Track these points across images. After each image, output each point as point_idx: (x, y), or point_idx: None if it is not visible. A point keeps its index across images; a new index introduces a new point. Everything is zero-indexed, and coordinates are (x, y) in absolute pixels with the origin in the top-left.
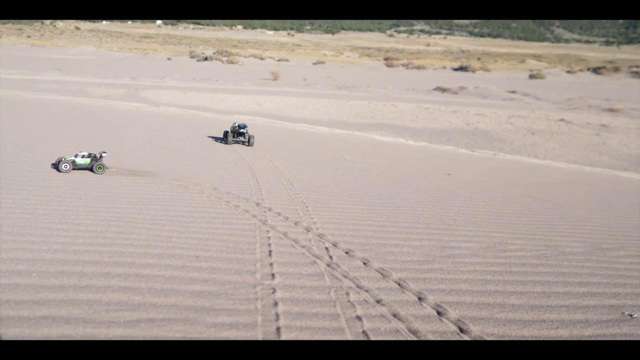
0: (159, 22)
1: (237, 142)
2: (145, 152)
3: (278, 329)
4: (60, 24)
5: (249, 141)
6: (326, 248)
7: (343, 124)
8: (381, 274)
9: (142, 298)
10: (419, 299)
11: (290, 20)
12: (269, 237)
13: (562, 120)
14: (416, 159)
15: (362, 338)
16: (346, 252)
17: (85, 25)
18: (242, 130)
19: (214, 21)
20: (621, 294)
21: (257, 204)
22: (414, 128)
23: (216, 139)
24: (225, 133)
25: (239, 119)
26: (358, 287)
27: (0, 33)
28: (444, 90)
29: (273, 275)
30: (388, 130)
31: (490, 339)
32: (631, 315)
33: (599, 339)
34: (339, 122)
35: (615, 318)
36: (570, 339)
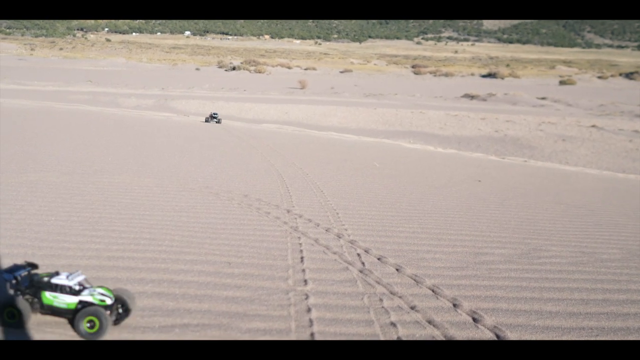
0: (187, 32)
1: (213, 121)
2: (176, 161)
3: (312, 335)
4: (92, 36)
5: (219, 121)
6: (358, 254)
7: (371, 131)
8: (414, 280)
9: (176, 304)
10: (454, 305)
11: (317, 29)
12: (300, 244)
13: (593, 126)
14: (445, 166)
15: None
16: (378, 259)
17: (115, 37)
18: (215, 115)
19: (241, 31)
20: None
21: (288, 211)
22: (442, 135)
23: (203, 121)
24: (207, 118)
25: (267, 127)
26: (391, 293)
27: (34, 46)
28: (472, 97)
29: (306, 281)
30: (416, 138)
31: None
32: None
33: None
34: (367, 130)
35: None
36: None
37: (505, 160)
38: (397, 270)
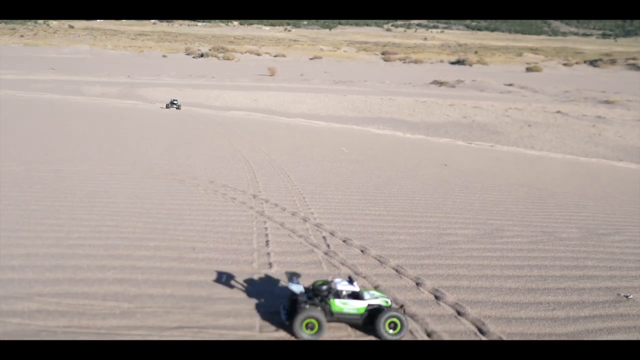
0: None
1: (173, 107)
2: (140, 148)
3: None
4: (54, 22)
5: (179, 107)
6: (323, 237)
7: (340, 118)
8: (379, 261)
9: (139, 289)
10: (417, 284)
11: None
12: (266, 228)
13: (558, 112)
14: (413, 151)
15: None
16: (344, 241)
17: (79, 23)
18: (174, 102)
19: None
20: (617, 276)
21: (254, 196)
22: (411, 121)
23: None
24: (167, 104)
25: (235, 114)
26: (356, 273)
27: None
28: (441, 83)
29: (270, 264)
30: (385, 124)
31: (488, 321)
32: (627, 297)
33: (595, 319)
34: (337, 117)
35: (611, 299)
36: (566, 320)
37: (473, 146)
38: (361, 251)
